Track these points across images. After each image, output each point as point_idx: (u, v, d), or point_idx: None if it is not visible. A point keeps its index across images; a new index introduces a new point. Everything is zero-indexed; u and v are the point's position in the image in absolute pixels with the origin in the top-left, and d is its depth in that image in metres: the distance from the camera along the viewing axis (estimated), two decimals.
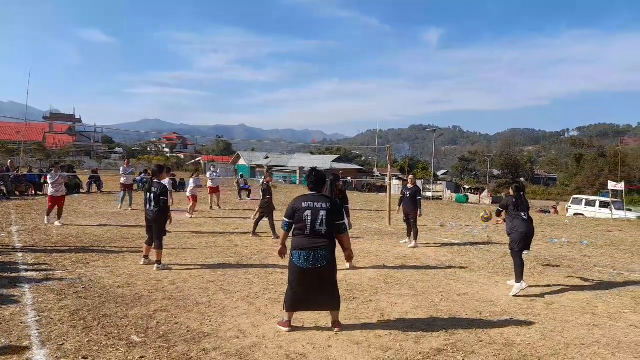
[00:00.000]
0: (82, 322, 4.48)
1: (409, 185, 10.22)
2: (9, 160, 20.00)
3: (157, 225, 6.90)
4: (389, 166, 15.23)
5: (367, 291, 6.09)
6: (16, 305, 4.85)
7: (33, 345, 3.87)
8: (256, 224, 10.37)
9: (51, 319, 4.51)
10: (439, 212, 20.49)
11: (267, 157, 61.90)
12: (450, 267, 7.95)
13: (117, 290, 5.61)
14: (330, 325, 4.59)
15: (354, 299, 5.70)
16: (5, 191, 15.86)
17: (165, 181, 11.05)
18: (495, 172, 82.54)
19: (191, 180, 14.66)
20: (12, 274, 6.13)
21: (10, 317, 4.48)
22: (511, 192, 6.79)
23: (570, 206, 26.38)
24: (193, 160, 64.58)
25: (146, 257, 7.10)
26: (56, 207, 10.83)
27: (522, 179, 68.40)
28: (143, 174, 23.49)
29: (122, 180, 15.09)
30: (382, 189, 37.22)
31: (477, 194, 46.36)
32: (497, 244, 10.66)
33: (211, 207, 16.10)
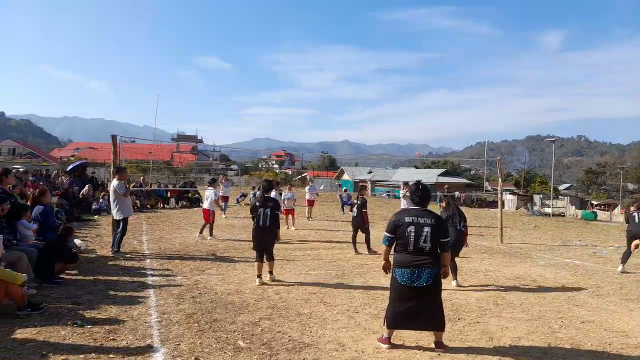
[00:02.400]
0: (196, 325, 4.85)
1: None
2: (141, 177, 22.62)
3: (269, 239, 6.96)
4: (499, 180, 14.27)
5: (474, 312, 5.71)
6: (142, 306, 5.42)
7: (154, 343, 4.28)
8: (354, 240, 10.21)
9: (170, 320, 4.96)
10: (560, 229, 18.61)
11: (370, 172, 61.93)
12: (572, 290, 7.14)
13: (227, 297, 5.98)
14: (432, 345, 4.38)
15: (459, 319, 5.38)
16: (138, 204, 17.97)
17: (273, 194, 11.50)
18: (631, 186, 72.66)
19: (286, 194, 15.23)
20: (141, 278, 6.89)
21: (137, 317, 5.02)
22: None
23: None
24: (300, 176, 67.11)
25: (259, 276, 6.81)
26: (202, 221, 11.42)
27: None
28: (257, 192, 24.97)
29: (221, 193, 17.02)
30: (494, 204, 34.96)
31: (607, 210, 41.23)
32: (631, 267, 9.32)
33: (309, 217, 17.52)
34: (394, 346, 4.38)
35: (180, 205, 20.85)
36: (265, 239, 6.94)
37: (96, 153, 60.79)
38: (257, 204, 6.98)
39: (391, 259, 4.49)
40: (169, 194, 21.38)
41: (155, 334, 4.50)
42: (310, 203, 18.22)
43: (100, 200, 16.08)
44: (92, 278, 6.73)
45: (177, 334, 4.53)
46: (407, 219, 4.30)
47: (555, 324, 5.33)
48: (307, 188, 19.12)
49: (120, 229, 8.65)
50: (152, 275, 7.15)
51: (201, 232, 11.34)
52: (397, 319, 4.31)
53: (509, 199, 36.22)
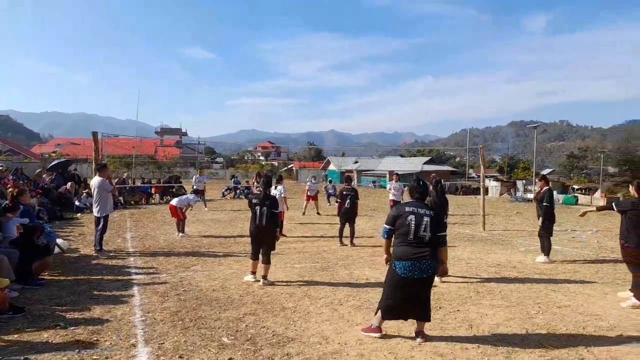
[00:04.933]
0: (180, 322, 4.88)
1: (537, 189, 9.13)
2: (125, 174, 22.32)
3: (267, 240, 6.57)
4: (481, 167, 14.47)
5: (455, 301, 5.85)
6: (126, 306, 5.42)
7: (138, 343, 4.30)
8: (342, 233, 10.19)
9: (154, 319, 4.97)
10: None
11: (356, 162, 62.12)
12: (550, 276, 7.34)
13: (213, 294, 6.01)
14: (413, 334, 4.49)
15: (440, 308, 5.51)
16: (122, 201, 17.80)
17: (280, 188, 11.36)
18: (611, 169, 74.08)
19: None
20: (125, 277, 6.86)
21: (121, 317, 5.02)
22: (632, 191, 6.07)
23: None
24: (286, 167, 66.98)
25: (254, 273, 6.68)
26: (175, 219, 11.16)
27: None
28: (235, 180, 24.95)
29: (195, 187, 16.90)
30: (478, 191, 35.42)
31: (588, 194, 42.05)
32: (607, 251, 9.59)
33: (318, 212, 16.70)
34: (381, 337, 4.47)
35: (164, 200, 20.68)
36: (262, 240, 6.54)
37: (78, 149, 59.80)
38: (255, 201, 6.53)
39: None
40: (153, 190, 21.19)
41: (139, 334, 4.52)
42: (314, 198, 17.10)
43: (82, 196, 15.87)
44: (75, 278, 6.68)
45: (161, 333, 4.56)
46: (407, 209, 4.43)
47: (532, 310, 5.49)
48: (309, 182, 17.76)
49: (100, 226, 8.55)
50: (137, 273, 7.13)
51: (178, 230, 11.11)
52: (393, 309, 4.43)
53: (493, 186, 36.70)
